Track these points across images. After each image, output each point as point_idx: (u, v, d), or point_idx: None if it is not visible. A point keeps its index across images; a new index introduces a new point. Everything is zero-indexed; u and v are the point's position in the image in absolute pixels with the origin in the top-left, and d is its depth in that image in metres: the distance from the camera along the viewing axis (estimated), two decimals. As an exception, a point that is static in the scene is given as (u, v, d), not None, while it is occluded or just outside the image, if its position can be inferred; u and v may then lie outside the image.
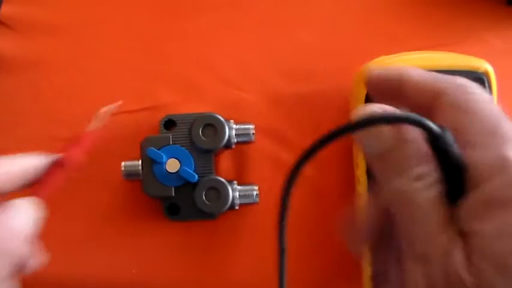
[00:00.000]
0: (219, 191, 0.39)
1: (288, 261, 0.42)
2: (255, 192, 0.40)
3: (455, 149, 0.19)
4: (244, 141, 0.41)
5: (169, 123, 0.40)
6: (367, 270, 0.38)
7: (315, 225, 0.42)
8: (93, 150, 0.35)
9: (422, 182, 0.19)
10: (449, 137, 0.19)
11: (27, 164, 0.31)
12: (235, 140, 0.40)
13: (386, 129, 0.20)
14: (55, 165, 0.32)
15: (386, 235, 0.23)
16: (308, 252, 0.42)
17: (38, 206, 0.31)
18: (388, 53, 0.40)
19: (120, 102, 0.37)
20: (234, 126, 0.40)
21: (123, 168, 0.39)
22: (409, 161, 0.20)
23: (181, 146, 0.39)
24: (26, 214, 0.30)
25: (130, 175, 0.39)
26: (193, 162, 0.39)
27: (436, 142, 0.19)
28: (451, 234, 0.19)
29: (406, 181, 0.19)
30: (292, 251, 0.42)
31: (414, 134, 0.20)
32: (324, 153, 0.42)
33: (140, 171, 0.39)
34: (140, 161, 0.39)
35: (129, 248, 0.42)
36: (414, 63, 0.38)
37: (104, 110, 0.36)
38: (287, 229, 0.40)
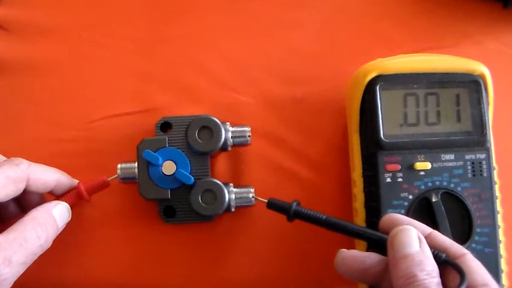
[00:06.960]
0: (215, 194, 0.39)
1: (287, 262, 0.42)
2: (251, 195, 0.40)
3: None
4: (240, 144, 0.40)
5: (165, 126, 0.40)
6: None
7: (312, 226, 0.42)
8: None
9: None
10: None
11: (58, 176, 0.37)
12: (231, 143, 0.40)
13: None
14: (73, 188, 0.38)
15: None
16: (306, 254, 0.42)
17: (69, 211, 0.37)
18: (384, 55, 0.40)
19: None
20: (230, 128, 0.40)
21: (119, 171, 0.39)
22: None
23: (178, 149, 0.39)
24: (63, 212, 0.36)
25: (126, 177, 0.39)
26: (189, 165, 0.39)
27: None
28: None
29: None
30: (291, 252, 0.42)
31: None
32: (322, 156, 0.42)
33: (136, 173, 0.39)
34: (136, 163, 0.39)
35: (125, 251, 0.42)
36: (411, 66, 0.38)
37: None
38: (286, 230, 0.41)
